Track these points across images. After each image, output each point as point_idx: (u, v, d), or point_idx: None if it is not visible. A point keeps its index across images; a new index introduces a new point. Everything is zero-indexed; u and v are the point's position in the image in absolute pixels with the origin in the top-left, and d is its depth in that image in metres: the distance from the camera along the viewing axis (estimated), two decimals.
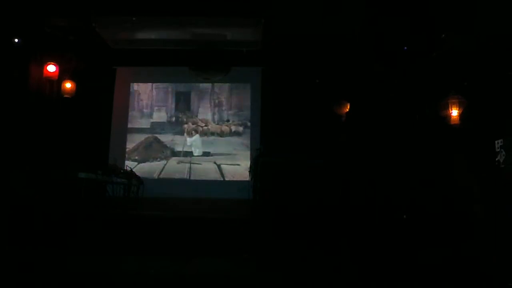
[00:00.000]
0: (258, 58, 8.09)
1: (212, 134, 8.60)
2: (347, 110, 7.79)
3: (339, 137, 7.34)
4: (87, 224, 5.57)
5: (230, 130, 8.60)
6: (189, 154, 8.52)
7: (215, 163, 8.45)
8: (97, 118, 8.25)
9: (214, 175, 8.38)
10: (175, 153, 8.53)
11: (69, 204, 5.73)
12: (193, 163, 8.46)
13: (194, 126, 8.64)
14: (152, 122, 8.67)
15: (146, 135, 8.62)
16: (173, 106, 8.76)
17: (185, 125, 8.64)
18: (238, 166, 8.31)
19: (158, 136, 8.62)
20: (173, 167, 8.46)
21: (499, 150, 4.50)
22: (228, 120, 8.65)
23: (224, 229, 5.85)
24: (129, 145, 8.57)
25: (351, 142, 7.17)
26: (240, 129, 8.59)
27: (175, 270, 4.56)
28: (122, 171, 7.41)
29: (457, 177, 5.60)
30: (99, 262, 4.74)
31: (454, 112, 7.19)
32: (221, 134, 8.59)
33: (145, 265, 4.70)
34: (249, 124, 8.57)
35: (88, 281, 3.96)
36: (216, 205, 7.67)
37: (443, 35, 6.62)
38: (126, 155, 8.46)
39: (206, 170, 8.42)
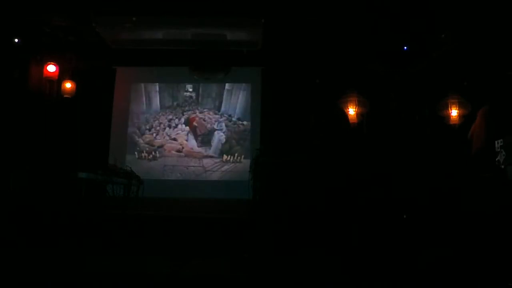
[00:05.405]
0: (258, 58, 8.09)
1: (213, 133, 8.59)
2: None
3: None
4: (87, 224, 5.57)
5: (231, 130, 8.60)
6: (189, 154, 8.52)
7: (215, 163, 8.45)
8: (97, 118, 8.24)
9: (214, 175, 8.39)
10: (175, 153, 8.53)
11: (69, 204, 5.73)
12: (193, 163, 8.46)
13: (194, 125, 8.64)
14: (152, 122, 8.67)
15: (146, 135, 8.62)
16: (173, 105, 8.75)
17: (185, 125, 8.64)
18: (238, 166, 8.31)
19: (158, 135, 8.61)
20: (173, 167, 8.46)
21: (499, 150, 4.48)
22: (228, 120, 8.65)
23: (224, 229, 5.86)
24: (129, 145, 8.57)
25: (352, 142, 7.16)
26: (240, 129, 8.59)
27: (175, 270, 4.56)
28: (122, 171, 7.40)
29: (457, 176, 5.60)
30: (99, 262, 4.74)
31: (454, 112, 7.22)
32: (221, 134, 8.59)
33: (144, 265, 4.70)
34: (249, 124, 8.58)
35: (88, 281, 3.95)
36: (216, 205, 7.66)
37: (443, 35, 6.63)
38: (126, 155, 8.45)
39: (206, 170, 8.43)
